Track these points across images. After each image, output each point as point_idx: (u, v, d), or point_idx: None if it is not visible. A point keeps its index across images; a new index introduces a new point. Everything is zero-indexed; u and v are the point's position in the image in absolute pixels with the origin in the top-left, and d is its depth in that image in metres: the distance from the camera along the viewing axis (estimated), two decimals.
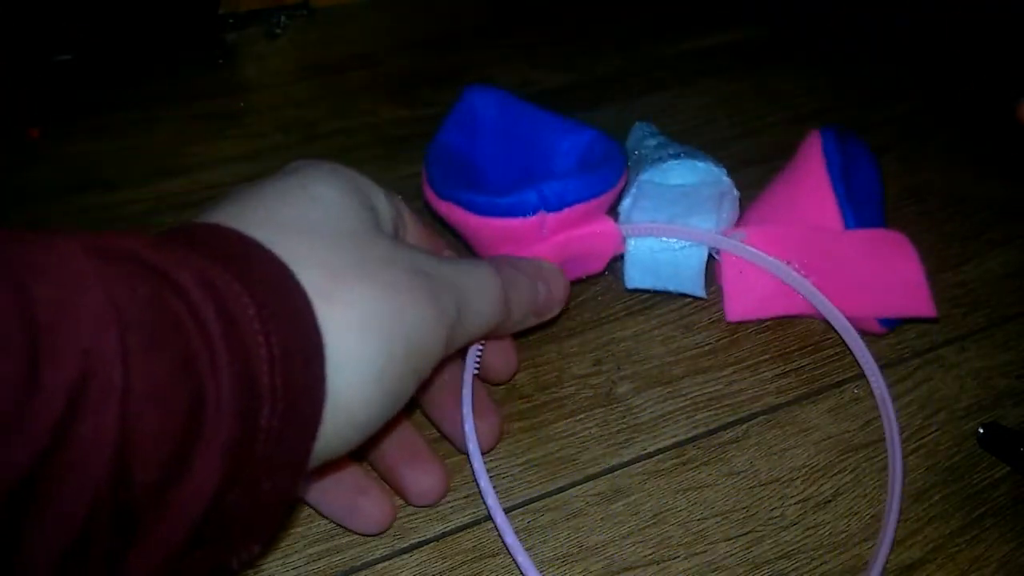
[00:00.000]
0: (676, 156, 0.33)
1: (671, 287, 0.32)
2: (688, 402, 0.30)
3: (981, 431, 0.29)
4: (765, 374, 0.31)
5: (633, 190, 0.32)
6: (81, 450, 0.14)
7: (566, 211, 0.28)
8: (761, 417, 0.30)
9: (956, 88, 0.47)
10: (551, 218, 0.28)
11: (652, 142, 0.35)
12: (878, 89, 0.47)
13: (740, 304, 0.32)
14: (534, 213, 0.28)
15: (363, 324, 0.19)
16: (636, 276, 0.32)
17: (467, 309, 0.23)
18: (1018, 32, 0.50)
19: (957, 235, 0.37)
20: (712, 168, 0.32)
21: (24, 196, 0.39)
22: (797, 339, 0.33)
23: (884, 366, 0.32)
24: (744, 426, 0.30)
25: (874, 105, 0.45)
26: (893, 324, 0.31)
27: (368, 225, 0.22)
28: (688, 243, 0.31)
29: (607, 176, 0.29)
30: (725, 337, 0.33)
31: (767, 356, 0.32)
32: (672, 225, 0.31)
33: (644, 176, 0.33)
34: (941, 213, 0.38)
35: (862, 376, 0.31)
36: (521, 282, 0.26)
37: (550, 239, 0.29)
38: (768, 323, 0.33)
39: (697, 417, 0.30)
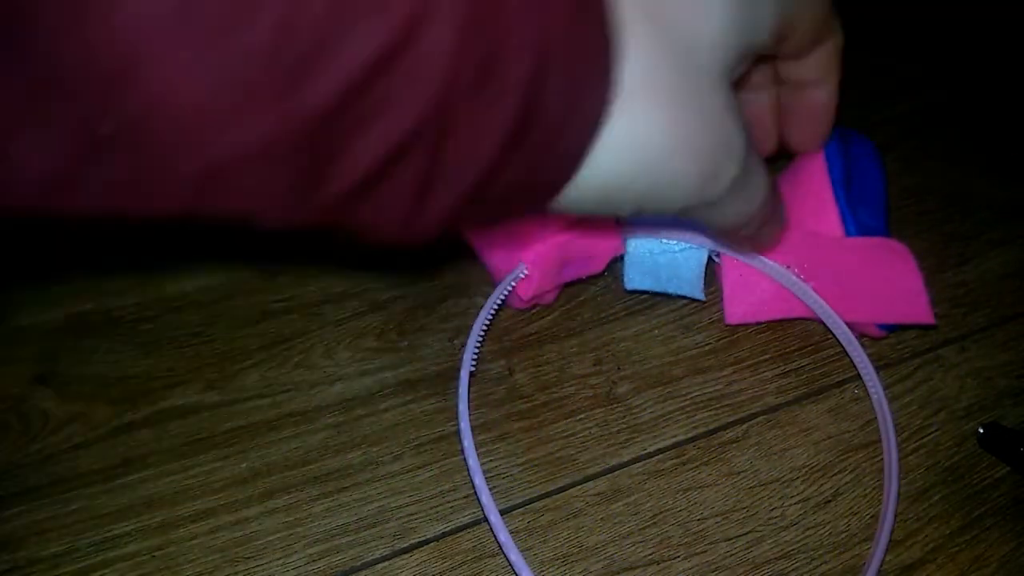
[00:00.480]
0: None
1: (670, 289, 0.32)
2: (688, 402, 0.30)
3: (981, 431, 0.29)
4: (765, 374, 0.31)
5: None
6: (426, 54, 0.14)
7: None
8: (761, 417, 0.30)
9: (956, 88, 0.47)
10: (553, 217, 0.28)
11: None
12: (878, 89, 0.47)
13: (740, 307, 0.32)
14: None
15: (653, 120, 0.18)
16: (636, 277, 0.32)
17: (731, 189, 0.22)
18: (1019, 32, 0.50)
19: (957, 235, 0.37)
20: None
21: None
22: (797, 339, 0.33)
23: (884, 366, 0.32)
24: (744, 426, 0.30)
25: (874, 105, 0.45)
26: (892, 328, 0.31)
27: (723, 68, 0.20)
28: (688, 245, 0.31)
29: None
30: (725, 337, 0.33)
31: (767, 356, 0.32)
32: (673, 227, 0.31)
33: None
34: (941, 213, 0.38)
35: (862, 376, 0.31)
36: (779, 209, 0.26)
37: (550, 239, 0.29)
38: (768, 323, 0.33)
39: (697, 417, 0.30)
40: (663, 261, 0.32)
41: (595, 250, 0.31)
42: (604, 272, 0.32)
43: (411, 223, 0.18)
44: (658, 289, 0.32)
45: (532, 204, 0.19)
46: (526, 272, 0.30)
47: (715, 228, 0.24)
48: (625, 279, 0.32)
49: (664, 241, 0.31)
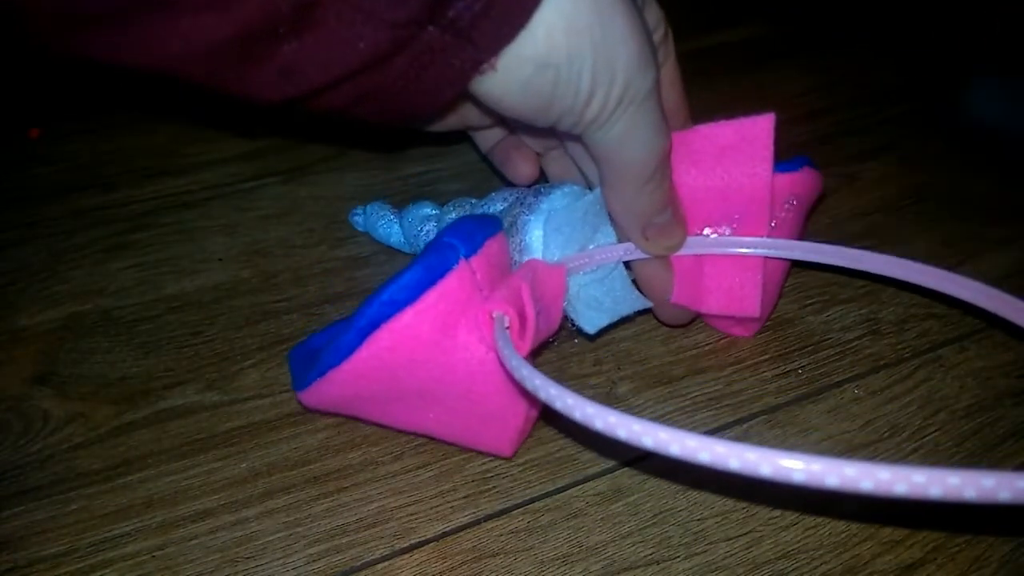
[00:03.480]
0: (540, 193, 0.31)
1: (623, 312, 0.30)
2: (688, 402, 0.30)
3: None
4: (765, 374, 0.31)
5: (534, 232, 0.29)
6: None
7: (483, 247, 0.25)
8: (761, 417, 0.30)
9: (956, 88, 0.47)
10: (475, 261, 0.24)
11: (500, 205, 0.32)
12: (878, 89, 0.47)
13: (700, 296, 0.31)
14: (456, 261, 0.24)
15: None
16: (590, 317, 0.29)
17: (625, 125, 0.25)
18: (1019, 31, 0.50)
19: (957, 235, 0.37)
20: (573, 187, 0.31)
21: (24, 196, 0.39)
22: (797, 339, 0.33)
23: (884, 366, 0.32)
24: (744, 426, 0.30)
25: (874, 105, 0.45)
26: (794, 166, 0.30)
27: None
28: (605, 266, 0.30)
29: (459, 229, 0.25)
30: (725, 337, 0.33)
31: (767, 356, 0.32)
32: (588, 251, 0.29)
33: (535, 216, 0.30)
34: (941, 213, 0.38)
35: (862, 376, 0.31)
36: (667, 217, 0.28)
37: (517, 292, 0.25)
38: (768, 323, 0.33)
39: (697, 417, 0.30)
40: (595, 292, 0.30)
41: (549, 292, 0.27)
42: (564, 327, 0.30)
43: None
44: (614, 318, 0.30)
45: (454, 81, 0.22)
46: (506, 321, 0.24)
47: (628, 180, 0.27)
48: (584, 324, 0.29)
49: (585, 273, 0.29)
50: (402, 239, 0.35)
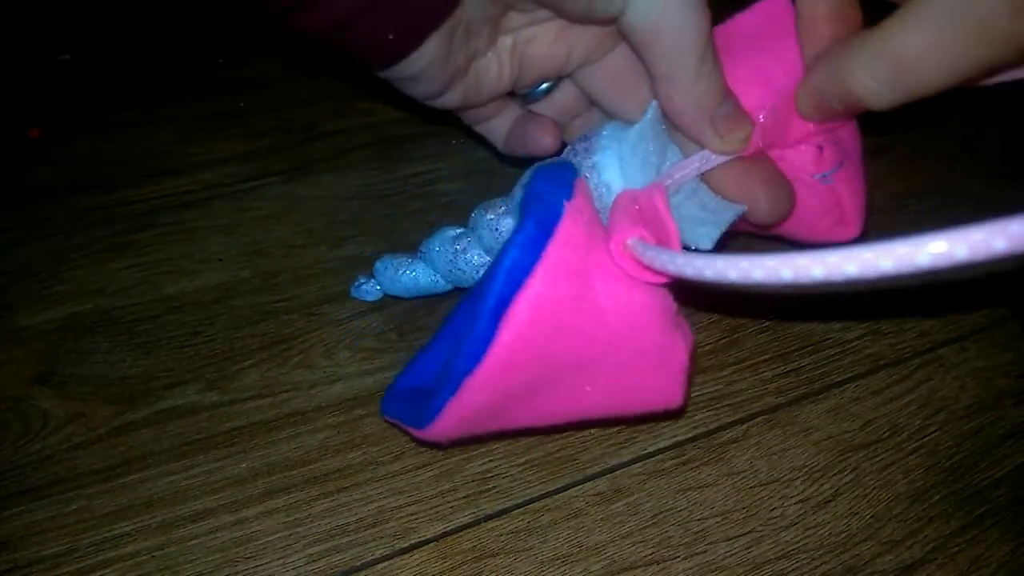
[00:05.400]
0: (587, 139, 0.29)
1: (726, 220, 0.27)
2: (688, 402, 0.30)
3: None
4: (765, 374, 0.31)
5: (609, 168, 0.28)
6: None
7: (576, 188, 0.22)
8: (761, 417, 0.30)
9: (955, 87, 0.47)
10: (576, 201, 0.22)
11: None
12: None
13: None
14: (561, 205, 0.21)
15: None
16: (702, 233, 0.27)
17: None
18: None
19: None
20: (614, 124, 0.30)
21: (24, 196, 0.39)
22: (797, 339, 0.33)
23: (884, 366, 0.32)
24: (744, 426, 0.30)
25: None
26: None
27: None
28: (687, 185, 0.28)
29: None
30: (725, 337, 0.33)
31: (767, 356, 0.32)
32: (665, 171, 0.28)
33: (600, 155, 0.28)
34: (941, 213, 0.38)
35: (862, 376, 0.31)
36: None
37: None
38: (768, 323, 0.33)
39: (697, 417, 0.30)
40: (690, 209, 0.28)
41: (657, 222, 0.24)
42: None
43: None
44: (722, 228, 0.27)
45: None
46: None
47: (682, 63, 0.25)
48: (700, 242, 0.27)
49: (675, 191, 0.28)
50: (433, 275, 0.31)
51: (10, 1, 0.39)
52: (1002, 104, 0.42)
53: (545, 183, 0.22)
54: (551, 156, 0.32)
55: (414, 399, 0.24)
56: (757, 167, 0.28)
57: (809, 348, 0.32)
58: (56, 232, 0.36)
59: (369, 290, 0.33)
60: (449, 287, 0.31)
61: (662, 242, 0.22)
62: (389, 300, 0.33)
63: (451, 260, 0.30)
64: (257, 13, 0.23)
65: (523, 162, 0.36)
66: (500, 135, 0.35)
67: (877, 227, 0.38)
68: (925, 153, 0.42)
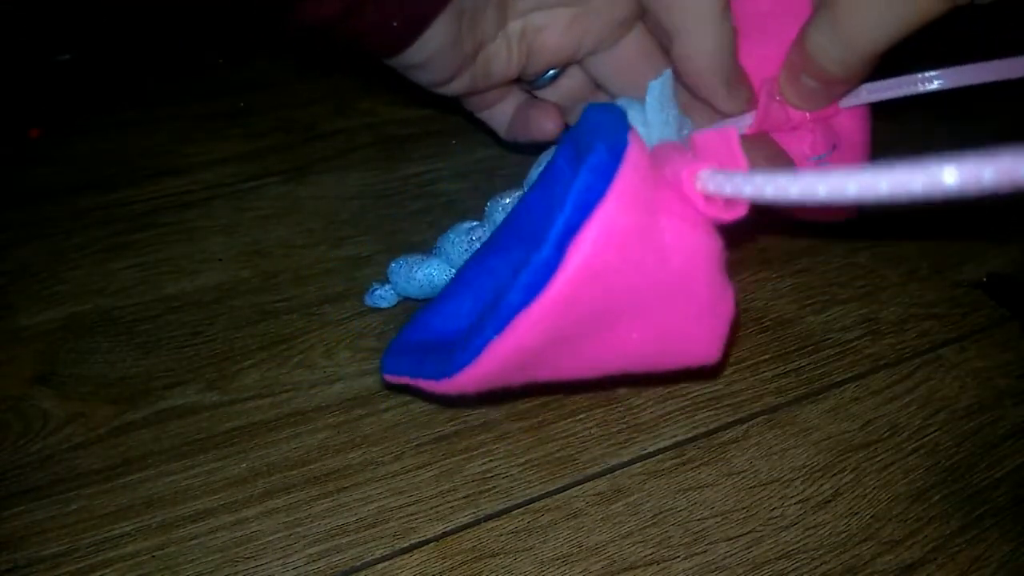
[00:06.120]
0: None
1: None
2: (688, 402, 0.30)
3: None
4: (765, 374, 0.31)
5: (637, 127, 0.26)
6: None
7: (631, 131, 0.21)
8: (761, 417, 0.30)
9: (952, 88, 0.47)
10: (636, 140, 0.21)
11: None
12: None
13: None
14: (627, 134, 0.20)
15: None
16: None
17: None
18: (1019, 30, 0.50)
19: (957, 235, 0.37)
20: (634, 103, 0.29)
21: (24, 196, 0.39)
22: (797, 339, 0.33)
23: (884, 366, 0.32)
24: (744, 426, 0.30)
25: (873, 105, 0.45)
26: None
27: None
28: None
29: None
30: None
31: (767, 356, 0.32)
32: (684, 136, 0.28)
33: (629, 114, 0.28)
34: (941, 213, 0.38)
35: (862, 376, 0.31)
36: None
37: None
38: (768, 323, 0.33)
39: (697, 417, 0.30)
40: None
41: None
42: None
43: None
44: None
45: None
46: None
47: (703, 16, 0.26)
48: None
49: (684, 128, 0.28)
50: (449, 270, 0.31)
51: (10, 1, 0.39)
52: (1001, 104, 0.42)
53: (605, 113, 0.21)
54: (553, 142, 0.32)
55: (430, 351, 0.23)
56: (759, 143, 0.29)
57: (809, 348, 0.32)
58: (56, 232, 0.36)
59: (384, 295, 0.32)
60: None
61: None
62: None
63: (466, 251, 0.30)
64: (262, 8, 0.23)
65: (524, 150, 0.36)
66: (503, 121, 0.35)
67: (877, 227, 0.38)
68: (925, 153, 0.42)
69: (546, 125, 0.33)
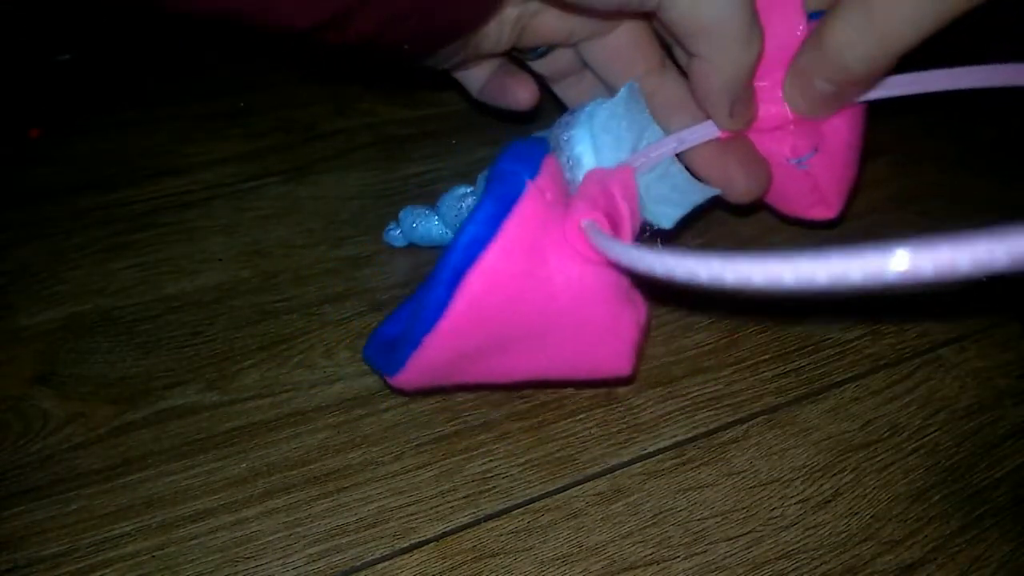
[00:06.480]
0: (573, 113, 0.29)
1: (694, 201, 0.29)
2: (688, 402, 0.30)
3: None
4: (765, 374, 0.31)
5: (582, 143, 0.28)
6: None
7: (543, 166, 0.24)
8: (761, 417, 0.30)
9: (952, 89, 0.47)
10: (540, 181, 0.23)
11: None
12: None
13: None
14: (523, 184, 0.23)
15: None
16: (664, 213, 0.28)
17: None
18: (1018, 29, 0.50)
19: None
20: (602, 98, 0.30)
21: (24, 196, 0.39)
22: (797, 339, 0.33)
23: (884, 366, 0.32)
24: (744, 426, 0.30)
25: (872, 105, 0.45)
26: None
27: None
28: (661, 163, 0.29)
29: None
30: (725, 337, 0.33)
31: (767, 356, 0.32)
32: (641, 150, 0.28)
33: (577, 129, 0.29)
34: (941, 213, 0.38)
35: (862, 376, 0.31)
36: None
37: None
38: (768, 323, 0.33)
39: (697, 417, 0.30)
40: (662, 189, 0.28)
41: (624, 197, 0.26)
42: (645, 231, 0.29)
43: None
44: (684, 211, 0.29)
45: None
46: (598, 226, 0.23)
47: (729, 41, 0.25)
48: (661, 221, 0.28)
49: (643, 173, 0.28)
50: (443, 229, 0.34)
51: (10, 1, 0.39)
52: (1002, 104, 0.42)
53: (512, 162, 0.24)
54: (525, 110, 0.34)
55: (389, 347, 0.26)
56: (734, 147, 0.29)
57: (809, 348, 0.32)
58: (56, 232, 0.36)
59: (396, 236, 0.36)
60: None
61: (615, 226, 0.23)
62: (390, 300, 0.33)
63: (456, 216, 0.33)
64: (282, 34, 0.24)
65: (494, 113, 0.37)
66: (477, 82, 0.35)
67: (877, 227, 0.38)
68: (926, 153, 0.42)
69: (521, 95, 0.33)
